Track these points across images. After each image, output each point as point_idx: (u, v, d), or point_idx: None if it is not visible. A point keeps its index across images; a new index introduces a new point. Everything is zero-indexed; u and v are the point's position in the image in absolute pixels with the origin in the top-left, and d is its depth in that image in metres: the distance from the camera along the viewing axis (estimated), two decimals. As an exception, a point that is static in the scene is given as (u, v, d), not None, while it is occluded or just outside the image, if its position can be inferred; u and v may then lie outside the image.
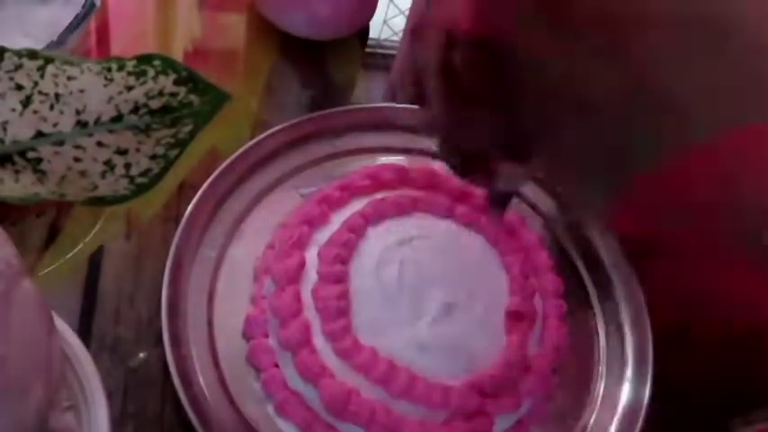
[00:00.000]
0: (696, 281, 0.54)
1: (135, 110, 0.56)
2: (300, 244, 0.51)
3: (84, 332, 0.51)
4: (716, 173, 0.50)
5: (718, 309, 0.54)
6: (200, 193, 0.54)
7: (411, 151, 0.61)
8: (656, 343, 0.53)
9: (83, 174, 0.54)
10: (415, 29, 0.50)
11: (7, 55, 0.54)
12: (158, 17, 0.70)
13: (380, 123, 0.61)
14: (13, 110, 0.54)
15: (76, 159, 0.54)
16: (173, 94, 0.56)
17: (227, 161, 0.56)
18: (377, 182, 0.55)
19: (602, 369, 0.53)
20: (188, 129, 0.56)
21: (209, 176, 0.55)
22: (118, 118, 0.55)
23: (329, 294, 0.48)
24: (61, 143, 0.54)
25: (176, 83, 0.57)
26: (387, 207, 0.53)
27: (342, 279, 0.49)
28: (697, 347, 0.56)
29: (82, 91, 0.55)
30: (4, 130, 0.53)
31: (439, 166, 0.56)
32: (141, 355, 0.51)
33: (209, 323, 0.50)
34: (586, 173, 0.39)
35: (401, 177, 0.56)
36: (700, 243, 0.51)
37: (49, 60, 0.54)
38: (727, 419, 0.58)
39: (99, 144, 0.55)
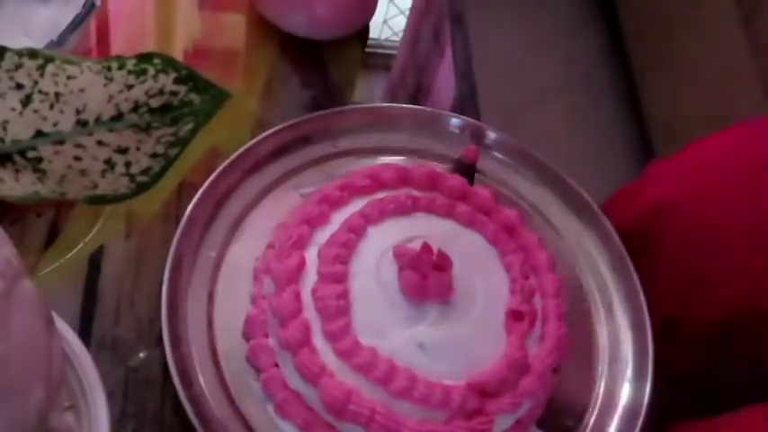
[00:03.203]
0: (694, 266, 0.55)
1: (135, 108, 0.56)
2: (300, 244, 0.51)
3: (84, 332, 0.51)
4: None
5: (715, 295, 0.54)
6: (200, 192, 0.54)
7: (411, 151, 0.61)
8: (653, 335, 0.53)
9: (83, 172, 0.54)
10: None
11: (7, 54, 0.54)
12: (158, 17, 0.70)
13: (380, 123, 0.61)
14: (14, 109, 0.53)
15: (77, 158, 0.54)
16: (173, 93, 0.56)
17: (227, 161, 0.56)
18: (377, 182, 0.55)
19: (602, 369, 0.53)
20: (188, 127, 0.56)
21: (209, 176, 0.55)
22: (118, 117, 0.55)
23: (329, 294, 0.48)
24: (61, 142, 0.54)
25: (176, 81, 0.56)
26: (387, 207, 0.53)
27: (342, 279, 0.49)
28: (692, 335, 0.56)
29: (82, 90, 0.55)
30: (5, 129, 0.53)
31: (439, 166, 0.56)
32: (141, 355, 0.51)
33: (209, 323, 0.50)
34: None
35: (401, 177, 0.56)
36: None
37: (49, 60, 0.54)
38: (720, 413, 0.58)
39: (99, 143, 0.55)
